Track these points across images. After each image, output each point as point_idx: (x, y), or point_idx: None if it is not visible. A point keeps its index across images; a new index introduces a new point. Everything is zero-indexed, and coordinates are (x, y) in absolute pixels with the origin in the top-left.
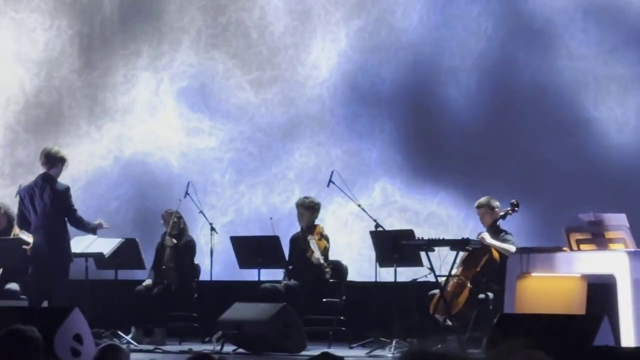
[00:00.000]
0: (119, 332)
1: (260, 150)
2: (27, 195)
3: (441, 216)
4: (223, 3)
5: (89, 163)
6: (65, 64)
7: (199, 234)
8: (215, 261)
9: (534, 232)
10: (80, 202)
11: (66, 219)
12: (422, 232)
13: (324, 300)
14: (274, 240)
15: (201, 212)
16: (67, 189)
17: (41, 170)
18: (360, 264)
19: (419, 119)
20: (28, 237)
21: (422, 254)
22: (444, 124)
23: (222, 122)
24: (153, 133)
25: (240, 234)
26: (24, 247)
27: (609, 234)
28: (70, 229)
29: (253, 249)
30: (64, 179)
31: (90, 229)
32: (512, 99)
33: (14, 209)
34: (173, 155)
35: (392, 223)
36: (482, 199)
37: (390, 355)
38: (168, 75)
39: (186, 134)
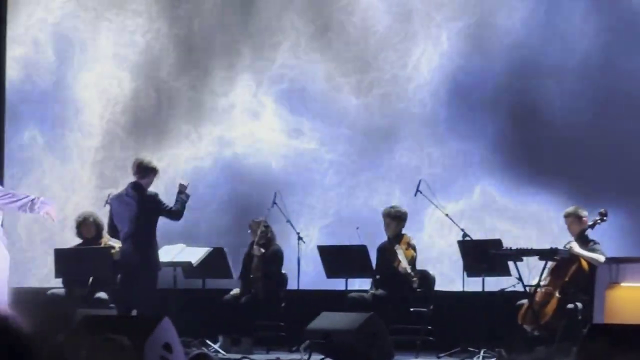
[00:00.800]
0: (207, 341)
1: (360, 152)
2: (116, 204)
3: (541, 218)
4: (323, 5)
5: (187, 165)
6: (165, 66)
7: (287, 243)
8: (303, 270)
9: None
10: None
11: (171, 220)
12: (522, 234)
13: (412, 309)
14: (362, 250)
15: (288, 221)
16: (156, 195)
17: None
18: (448, 273)
19: (521, 120)
20: (116, 243)
21: (511, 263)
22: (546, 124)
23: (322, 124)
24: (252, 135)
25: (341, 236)
26: (112, 251)
27: None
28: (159, 237)
29: (340, 258)
30: (161, 183)
31: (183, 203)
32: (617, 100)
33: (103, 217)
34: (273, 157)
35: (493, 224)
36: (570, 209)
37: None
38: (267, 78)
39: (286, 136)
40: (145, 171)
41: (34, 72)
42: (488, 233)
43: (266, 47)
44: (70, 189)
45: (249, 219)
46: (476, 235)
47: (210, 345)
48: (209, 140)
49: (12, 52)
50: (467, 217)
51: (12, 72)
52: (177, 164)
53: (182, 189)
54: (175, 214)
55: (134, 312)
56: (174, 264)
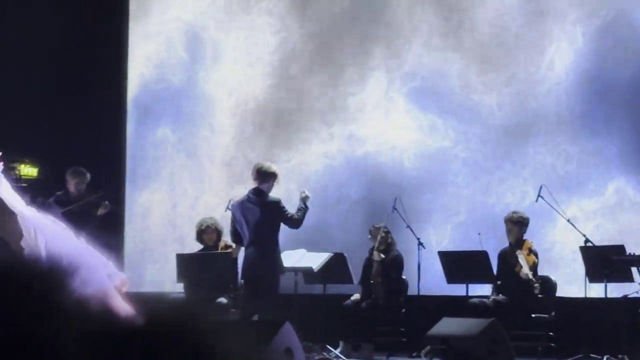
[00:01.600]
0: (328, 346)
1: (494, 150)
2: (238, 210)
3: None
4: (456, 2)
5: (319, 163)
6: (296, 64)
7: (407, 249)
8: (424, 275)
9: None
10: (309, 203)
11: (291, 228)
12: None
13: (533, 315)
14: (482, 255)
15: (408, 226)
16: (279, 201)
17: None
18: (569, 279)
19: None
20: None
21: (634, 269)
22: None
23: (455, 122)
24: (384, 133)
25: (473, 235)
26: (229, 250)
27: None
28: (281, 242)
29: (461, 264)
30: (292, 181)
31: (304, 212)
32: None
33: (223, 223)
34: (405, 155)
35: (627, 221)
36: None
37: None
38: (399, 75)
39: (418, 135)
40: (265, 176)
41: (167, 71)
42: (622, 231)
43: (398, 44)
44: (200, 188)
45: (381, 217)
46: (609, 233)
47: (331, 351)
48: (341, 139)
49: (145, 49)
50: (600, 214)
51: (144, 69)
52: (307, 163)
53: (305, 199)
54: (295, 222)
55: (256, 317)
56: (295, 270)
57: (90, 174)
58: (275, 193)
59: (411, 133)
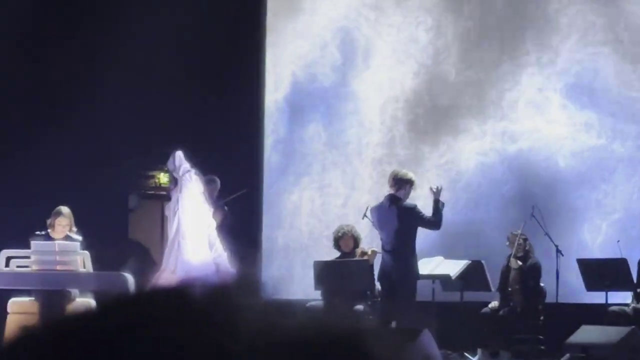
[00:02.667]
0: (466, 354)
1: None
2: (375, 217)
3: None
4: None
5: (470, 160)
6: (447, 61)
7: (545, 256)
8: (561, 283)
9: None
10: (460, 201)
11: (432, 230)
12: None
13: None
14: (622, 263)
15: (546, 234)
16: (414, 207)
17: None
18: None
19: None
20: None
21: None
22: None
23: (612, 119)
24: (538, 130)
25: (630, 232)
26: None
27: None
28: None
29: (600, 272)
30: (444, 180)
31: (440, 212)
32: None
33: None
34: (559, 153)
35: None
36: None
37: None
38: (554, 71)
39: (574, 132)
40: (401, 183)
41: (318, 69)
42: None
43: (553, 40)
44: (350, 186)
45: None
46: None
47: (469, 358)
48: (493, 136)
49: (297, 48)
50: None
51: (295, 68)
52: (459, 160)
53: (436, 196)
54: (434, 224)
55: (393, 324)
56: (432, 277)
57: (229, 177)
58: (427, 187)
59: (566, 131)
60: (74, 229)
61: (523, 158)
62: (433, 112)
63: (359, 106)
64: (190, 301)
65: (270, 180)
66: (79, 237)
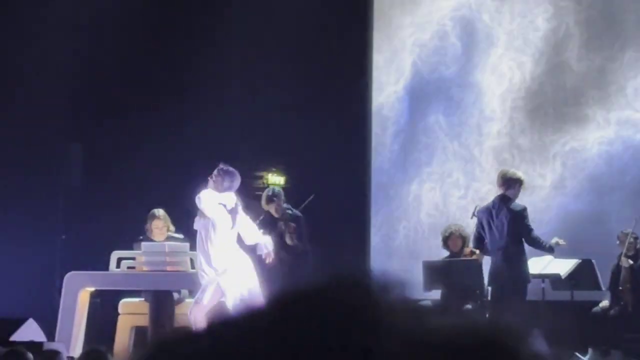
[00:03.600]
0: (577, 354)
1: None
2: (484, 216)
3: None
4: None
5: (594, 149)
6: (570, 49)
7: None
8: None
9: None
10: (584, 192)
11: (523, 239)
12: None
13: None
14: None
15: None
16: (524, 210)
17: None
18: None
19: None
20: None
21: None
22: None
23: None
24: None
25: None
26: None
27: None
28: (528, 247)
29: None
30: (566, 169)
31: (548, 248)
32: None
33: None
34: None
35: None
36: None
37: None
38: None
39: None
40: (510, 182)
41: (439, 59)
42: None
43: None
44: (470, 175)
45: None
46: None
47: (580, 358)
48: (618, 124)
49: (417, 37)
50: None
51: (414, 57)
52: (582, 149)
53: (553, 246)
54: (532, 240)
55: None
56: (542, 276)
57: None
58: (550, 177)
59: None
60: (172, 228)
61: None
62: (554, 101)
63: (479, 95)
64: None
65: (391, 172)
66: (180, 236)
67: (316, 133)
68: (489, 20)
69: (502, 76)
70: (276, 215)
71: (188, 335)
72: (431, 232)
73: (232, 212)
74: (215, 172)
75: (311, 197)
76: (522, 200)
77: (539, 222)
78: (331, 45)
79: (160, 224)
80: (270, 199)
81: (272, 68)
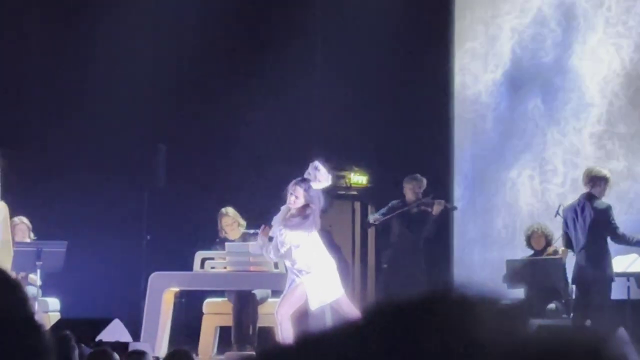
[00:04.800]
0: None
1: None
2: (569, 215)
3: None
4: None
5: None
6: None
7: None
8: None
9: None
10: None
11: (609, 238)
12: None
13: None
14: None
15: None
16: (608, 208)
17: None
18: None
19: None
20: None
21: None
22: None
23: None
24: None
25: None
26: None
27: None
28: (612, 246)
29: None
30: None
31: (635, 242)
32: None
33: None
34: None
35: None
36: None
37: None
38: None
39: None
40: (596, 180)
41: (538, 45)
42: None
43: None
44: (569, 163)
45: None
46: None
47: None
48: None
49: (512, 23)
50: None
51: (513, 42)
52: None
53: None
54: (619, 237)
55: (588, 323)
56: (627, 275)
57: (425, 178)
58: None
59: None
60: (243, 223)
61: None
62: None
63: (577, 81)
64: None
65: (489, 159)
66: (257, 231)
67: (399, 127)
68: (588, 5)
69: (601, 61)
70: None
71: (287, 350)
72: (530, 221)
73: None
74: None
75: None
76: (625, 187)
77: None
78: (414, 37)
79: (229, 220)
80: None
81: (351, 64)
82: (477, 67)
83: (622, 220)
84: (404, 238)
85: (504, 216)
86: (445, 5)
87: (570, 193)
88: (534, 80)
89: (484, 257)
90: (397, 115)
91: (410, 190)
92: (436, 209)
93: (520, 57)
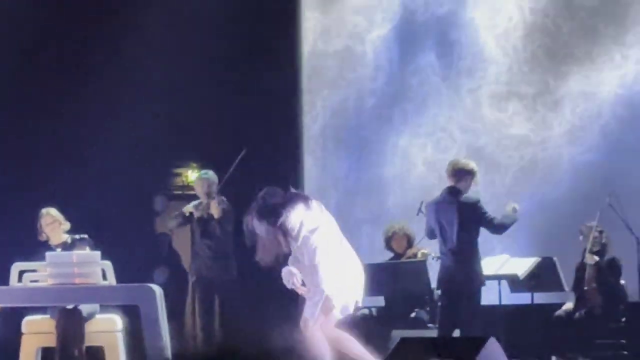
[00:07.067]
0: None
1: None
2: (432, 212)
3: None
4: None
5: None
6: None
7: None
8: None
9: None
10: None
11: (490, 232)
12: None
13: None
14: None
15: (626, 225)
16: (478, 201)
17: None
18: None
19: None
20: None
21: None
22: None
23: None
24: None
25: None
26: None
27: None
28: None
29: None
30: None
31: (512, 220)
32: None
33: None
34: None
35: None
36: None
37: None
38: None
39: None
40: (461, 174)
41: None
42: None
43: None
44: (467, 130)
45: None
46: None
47: None
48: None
49: None
50: None
51: None
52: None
53: (513, 211)
54: (498, 227)
55: (457, 333)
56: (498, 277)
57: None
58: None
59: None
60: (66, 224)
61: None
62: (557, 41)
63: (474, 36)
64: None
65: (374, 126)
66: (84, 236)
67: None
68: None
69: (499, 13)
70: None
71: None
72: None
73: None
74: None
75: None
76: (528, 155)
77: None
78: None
79: (49, 220)
80: None
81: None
82: (362, 22)
83: (530, 193)
84: (203, 245)
85: (394, 192)
86: None
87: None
88: (427, 35)
89: (372, 239)
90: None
91: (200, 188)
92: (215, 210)
93: (412, 10)
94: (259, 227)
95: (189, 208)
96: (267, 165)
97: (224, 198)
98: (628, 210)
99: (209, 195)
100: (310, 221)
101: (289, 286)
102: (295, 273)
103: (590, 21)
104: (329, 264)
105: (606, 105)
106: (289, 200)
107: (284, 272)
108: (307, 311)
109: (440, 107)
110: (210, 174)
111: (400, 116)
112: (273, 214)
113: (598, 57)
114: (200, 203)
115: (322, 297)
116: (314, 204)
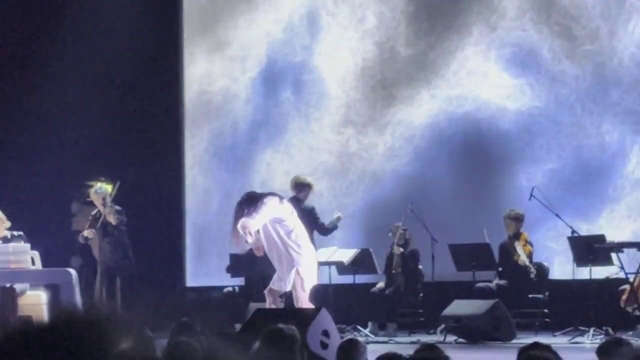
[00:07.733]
0: (358, 327)
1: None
2: None
3: None
4: None
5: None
6: (396, 37)
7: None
8: (436, 266)
9: None
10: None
11: (319, 234)
12: None
13: (530, 296)
14: (486, 247)
15: (424, 226)
16: (313, 209)
17: None
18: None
19: None
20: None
21: (614, 255)
22: None
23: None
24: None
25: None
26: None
27: None
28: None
29: (468, 255)
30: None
31: (333, 227)
32: None
33: None
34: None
35: None
36: None
37: (588, 341)
38: (495, 45)
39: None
40: (301, 187)
41: (287, 49)
42: None
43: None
44: (313, 148)
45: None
46: None
47: (361, 330)
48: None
49: (270, 31)
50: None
51: (267, 48)
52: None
53: (337, 220)
54: (325, 230)
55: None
56: (329, 263)
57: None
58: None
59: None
60: (7, 223)
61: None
62: (385, 82)
63: (320, 78)
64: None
65: (243, 145)
66: (20, 233)
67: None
68: (327, 17)
69: (340, 61)
70: None
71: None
72: None
73: None
74: None
75: (117, 183)
76: (360, 166)
77: (375, 185)
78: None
79: None
80: None
81: (97, 76)
82: (236, 68)
83: (361, 197)
84: (104, 242)
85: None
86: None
87: (312, 175)
88: (285, 77)
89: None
90: (134, 124)
91: (96, 201)
92: (110, 217)
93: (274, 59)
94: (238, 214)
95: (87, 232)
96: (155, 176)
97: (116, 207)
98: (430, 211)
99: (104, 205)
100: (283, 211)
101: (244, 239)
102: (246, 226)
103: (407, 69)
104: (302, 248)
105: (418, 130)
106: (267, 195)
107: (239, 225)
108: (276, 284)
109: (294, 131)
110: (103, 188)
111: (264, 138)
112: (252, 202)
113: (412, 95)
114: (98, 211)
115: (295, 275)
116: (286, 201)
